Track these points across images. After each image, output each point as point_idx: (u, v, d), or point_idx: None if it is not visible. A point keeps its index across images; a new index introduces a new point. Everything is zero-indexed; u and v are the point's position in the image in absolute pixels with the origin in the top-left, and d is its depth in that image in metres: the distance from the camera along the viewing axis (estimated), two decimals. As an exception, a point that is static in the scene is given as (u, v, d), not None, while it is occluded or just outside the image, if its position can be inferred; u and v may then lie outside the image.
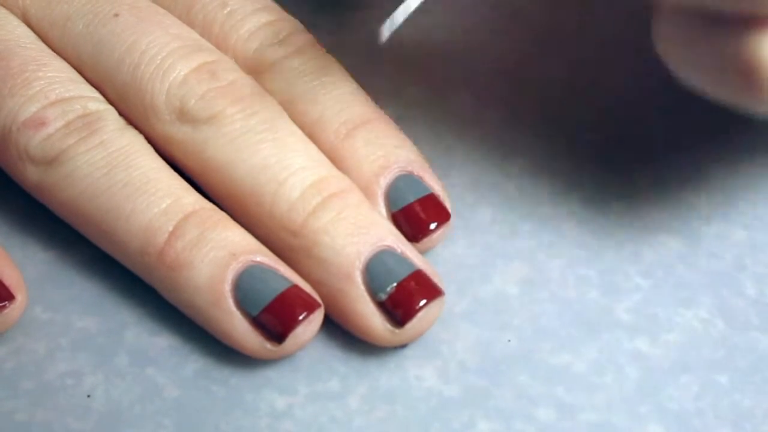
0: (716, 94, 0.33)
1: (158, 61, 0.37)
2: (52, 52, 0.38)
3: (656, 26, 0.34)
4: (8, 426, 0.34)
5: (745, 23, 0.31)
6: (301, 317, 0.34)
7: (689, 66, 0.33)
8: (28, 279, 0.36)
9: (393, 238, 0.36)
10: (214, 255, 0.35)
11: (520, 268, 0.38)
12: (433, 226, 0.37)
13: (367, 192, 0.37)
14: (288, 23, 0.40)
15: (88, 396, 0.34)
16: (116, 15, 0.38)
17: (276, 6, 0.40)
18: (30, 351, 0.35)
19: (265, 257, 0.35)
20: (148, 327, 0.36)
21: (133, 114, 0.37)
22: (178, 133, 0.37)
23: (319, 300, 0.35)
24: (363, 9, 0.45)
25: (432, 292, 0.35)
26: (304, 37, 0.40)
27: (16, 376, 0.35)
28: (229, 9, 0.39)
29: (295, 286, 0.35)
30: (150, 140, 0.37)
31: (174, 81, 0.37)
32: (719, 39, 0.32)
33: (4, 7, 0.39)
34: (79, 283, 0.37)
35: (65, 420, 0.34)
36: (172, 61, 0.37)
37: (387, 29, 0.33)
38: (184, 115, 0.37)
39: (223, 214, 0.36)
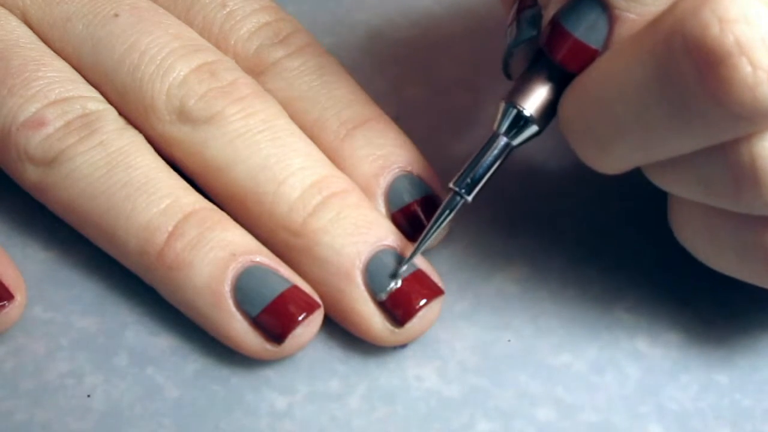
0: (738, 275, 0.34)
1: (158, 62, 0.37)
2: (52, 52, 0.38)
3: (673, 213, 0.34)
4: (8, 426, 0.34)
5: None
6: (300, 318, 0.34)
7: (709, 251, 0.34)
8: (28, 279, 0.36)
9: (393, 238, 0.36)
10: (214, 255, 0.35)
11: (520, 268, 0.38)
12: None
13: (366, 192, 0.37)
14: (288, 23, 0.40)
15: (88, 396, 0.34)
16: (116, 15, 0.38)
17: (276, 6, 0.40)
18: (30, 351, 0.35)
19: (265, 257, 0.35)
20: (148, 327, 0.36)
21: (133, 114, 0.37)
22: (178, 133, 0.37)
23: (319, 300, 0.35)
24: (363, 9, 0.45)
25: (432, 291, 0.35)
26: (304, 37, 0.40)
27: (16, 376, 0.35)
28: (228, 9, 0.39)
29: (295, 287, 0.35)
30: (150, 140, 0.37)
31: (174, 81, 0.37)
32: (739, 228, 0.32)
33: (4, 7, 0.39)
34: (79, 283, 0.37)
35: (65, 420, 0.34)
36: (172, 62, 0.37)
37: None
38: (184, 115, 0.37)
39: (223, 214, 0.36)
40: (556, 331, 0.36)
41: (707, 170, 0.31)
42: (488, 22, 0.45)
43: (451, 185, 0.35)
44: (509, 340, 0.36)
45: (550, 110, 0.34)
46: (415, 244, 0.35)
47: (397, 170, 0.37)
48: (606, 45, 0.32)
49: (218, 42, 0.39)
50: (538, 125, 0.34)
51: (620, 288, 0.37)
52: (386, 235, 0.36)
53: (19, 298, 0.35)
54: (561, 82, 0.34)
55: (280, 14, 0.40)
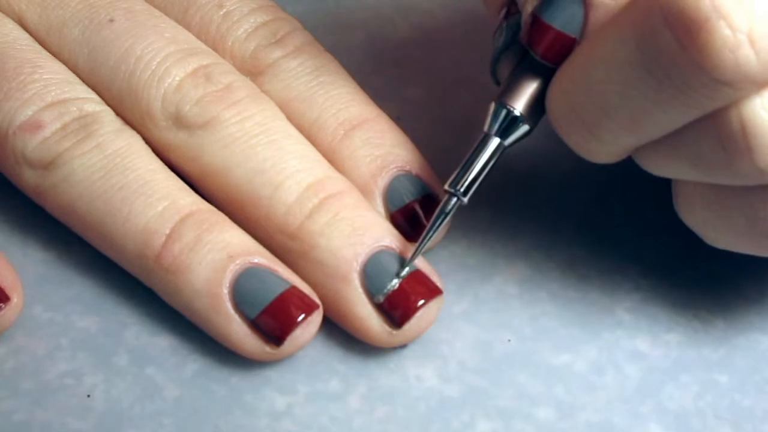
0: (749, 251, 0.34)
1: (153, 67, 0.37)
2: (49, 54, 0.38)
3: (678, 198, 0.34)
4: (8, 426, 0.34)
5: None
6: (299, 319, 0.34)
7: (716, 231, 0.34)
8: (27, 279, 0.36)
9: (391, 239, 0.36)
10: (212, 257, 0.35)
11: (520, 268, 0.38)
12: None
13: (365, 192, 0.37)
14: (285, 22, 0.39)
15: (88, 396, 0.34)
16: (111, 20, 0.38)
17: (273, 5, 0.40)
18: (30, 351, 0.35)
19: (263, 258, 0.35)
20: (148, 327, 0.36)
21: (129, 119, 0.37)
22: (174, 138, 0.37)
23: (318, 301, 0.35)
24: (363, 9, 0.45)
25: (431, 291, 0.35)
26: (302, 36, 0.39)
27: (16, 376, 0.35)
28: (225, 10, 0.39)
29: (294, 287, 0.35)
30: (148, 144, 0.37)
31: (169, 87, 0.37)
32: (742, 203, 0.32)
33: (1, 11, 0.39)
34: (79, 283, 0.37)
35: (65, 420, 0.34)
36: (167, 67, 0.37)
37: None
38: (180, 121, 0.36)
39: (221, 215, 0.36)
40: (556, 331, 0.36)
41: (699, 145, 0.31)
42: (488, 22, 0.45)
43: (446, 187, 0.35)
44: (509, 340, 0.36)
45: (539, 108, 0.35)
46: (414, 247, 0.35)
47: (395, 170, 0.37)
48: (583, 33, 0.32)
49: (215, 43, 0.39)
50: (529, 124, 0.35)
51: (620, 288, 0.37)
52: (384, 236, 0.36)
53: (16, 299, 0.35)
54: (547, 78, 0.34)
55: (278, 13, 0.40)
